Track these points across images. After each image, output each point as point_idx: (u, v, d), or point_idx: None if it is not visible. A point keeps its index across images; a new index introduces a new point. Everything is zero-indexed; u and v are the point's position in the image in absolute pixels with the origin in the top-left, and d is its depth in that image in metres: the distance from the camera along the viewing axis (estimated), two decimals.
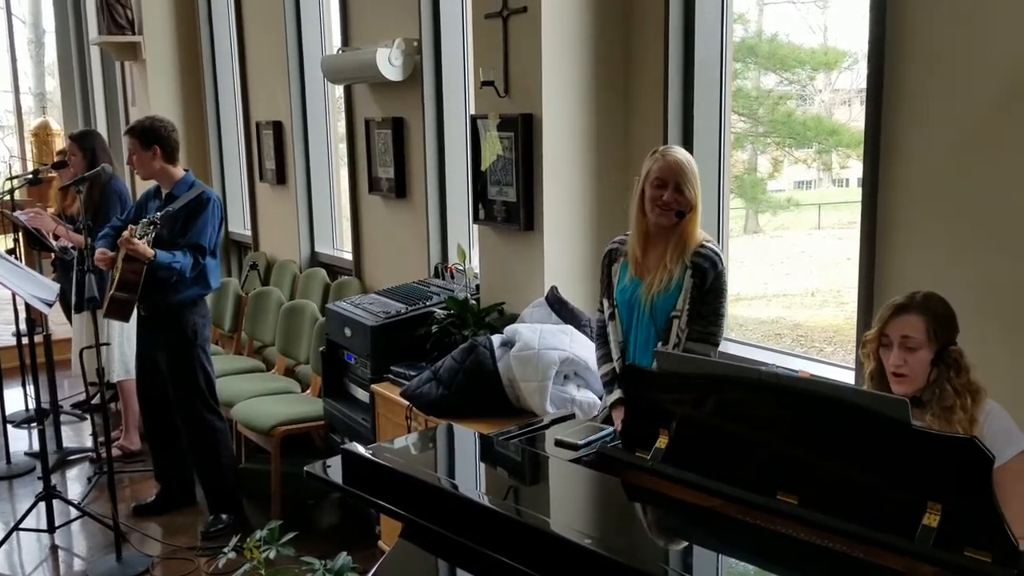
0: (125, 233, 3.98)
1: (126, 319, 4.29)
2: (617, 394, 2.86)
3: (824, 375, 3.05)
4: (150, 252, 3.96)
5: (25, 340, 5.08)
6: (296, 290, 6.04)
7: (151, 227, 3.96)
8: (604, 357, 2.97)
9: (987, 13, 2.55)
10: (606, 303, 2.96)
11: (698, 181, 2.78)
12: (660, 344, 2.78)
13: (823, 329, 5.33)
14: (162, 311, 4.23)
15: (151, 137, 4.22)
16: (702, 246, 2.78)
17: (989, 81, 2.57)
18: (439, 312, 3.98)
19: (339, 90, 5.75)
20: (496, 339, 3.59)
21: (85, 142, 5.13)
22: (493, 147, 3.95)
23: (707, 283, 2.76)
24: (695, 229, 2.79)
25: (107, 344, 4.61)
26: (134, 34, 7.63)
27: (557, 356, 3.38)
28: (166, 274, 4.06)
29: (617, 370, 2.89)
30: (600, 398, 3.20)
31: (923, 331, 2.13)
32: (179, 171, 4.30)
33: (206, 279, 4.25)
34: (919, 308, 2.15)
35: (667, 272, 2.78)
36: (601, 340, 2.99)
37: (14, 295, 4.68)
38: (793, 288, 5.85)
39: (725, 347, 3.60)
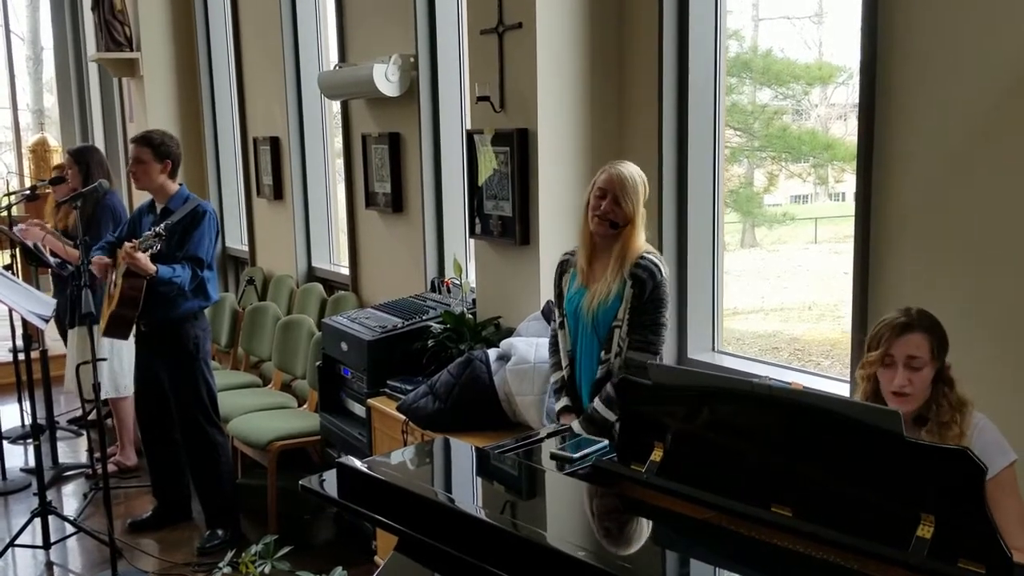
0: (126, 246, 3.94)
1: (125, 337, 4.28)
2: (564, 401, 3.00)
3: (821, 388, 3.05)
4: (152, 267, 3.95)
5: (21, 356, 5.08)
6: (293, 305, 6.04)
7: (156, 239, 3.94)
8: (555, 366, 3.09)
9: (979, 29, 2.57)
10: (557, 312, 3.07)
11: (640, 196, 2.89)
12: (603, 353, 2.89)
13: (820, 343, 5.33)
14: (163, 326, 4.23)
15: (165, 151, 4.22)
16: (642, 257, 2.88)
17: (981, 95, 2.58)
18: (435, 326, 3.98)
19: (336, 106, 5.77)
20: (492, 353, 3.59)
21: (81, 157, 5.14)
22: (489, 162, 3.97)
23: (646, 293, 2.85)
24: (635, 242, 2.89)
25: (104, 360, 4.61)
26: (132, 50, 7.65)
27: None
28: (167, 289, 4.06)
29: (565, 378, 3.02)
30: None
31: (928, 350, 2.13)
32: (175, 186, 4.31)
33: (206, 292, 4.25)
34: (922, 327, 2.15)
35: (606, 283, 2.88)
36: (553, 348, 3.11)
37: (11, 311, 4.68)
38: (790, 302, 5.85)
39: (723, 361, 3.61)
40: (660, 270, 2.88)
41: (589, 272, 2.96)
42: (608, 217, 2.87)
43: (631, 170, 2.91)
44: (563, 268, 3.07)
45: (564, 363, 3.03)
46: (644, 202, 2.92)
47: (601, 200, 2.88)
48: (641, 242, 2.90)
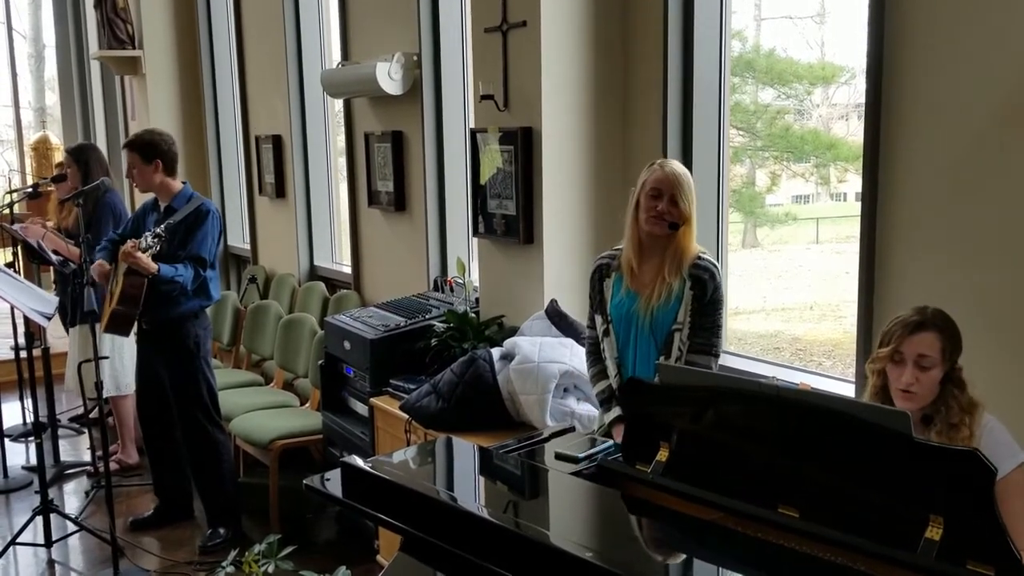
0: (127, 246, 3.95)
1: (126, 334, 4.29)
2: (616, 411, 2.83)
3: (824, 388, 3.04)
4: (153, 266, 3.95)
5: (23, 354, 5.07)
6: (295, 303, 6.04)
7: (156, 240, 3.94)
8: (599, 374, 2.93)
9: (986, 28, 2.56)
10: (599, 319, 2.92)
11: (694, 195, 2.79)
12: (662, 358, 2.77)
13: (822, 343, 5.33)
14: (164, 324, 4.22)
15: (152, 151, 4.22)
16: (699, 258, 2.79)
17: (988, 95, 2.58)
18: (438, 325, 3.98)
19: (339, 104, 5.76)
20: (496, 352, 3.59)
21: (80, 155, 5.14)
22: (492, 160, 3.96)
23: (707, 295, 2.76)
24: (691, 242, 2.79)
25: (106, 358, 4.60)
26: (134, 49, 7.65)
27: (557, 369, 3.38)
28: (169, 288, 4.06)
29: (615, 387, 2.86)
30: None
31: (938, 350, 2.13)
32: (177, 184, 4.31)
33: (207, 291, 4.25)
34: (935, 327, 2.14)
35: (666, 285, 2.76)
36: (594, 358, 2.96)
37: (12, 308, 4.68)
38: (792, 302, 5.84)
39: (725, 360, 3.60)
40: (718, 271, 2.81)
41: (638, 275, 2.83)
42: (666, 218, 2.76)
43: (682, 168, 2.82)
44: (603, 272, 2.91)
45: (612, 371, 2.87)
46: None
47: (656, 200, 2.76)
48: (695, 242, 2.81)
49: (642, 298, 2.80)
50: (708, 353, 2.78)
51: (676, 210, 2.76)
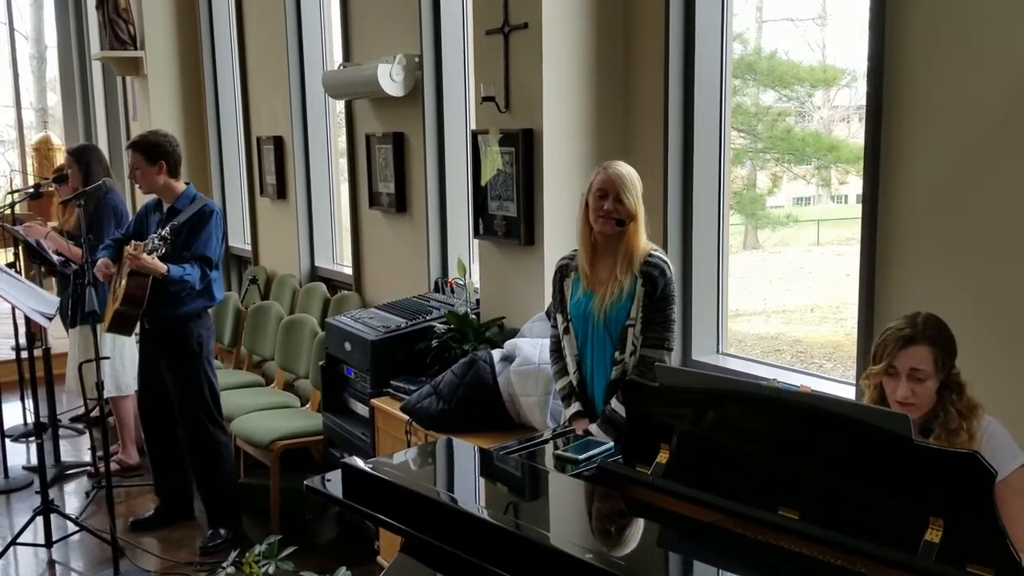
0: (130, 249, 3.96)
1: (129, 333, 4.30)
2: (576, 407, 2.98)
3: (824, 390, 3.05)
4: (162, 268, 3.95)
5: (24, 354, 5.08)
6: (296, 304, 6.04)
7: (162, 242, 3.94)
8: (561, 371, 3.07)
9: (987, 30, 2.57)
10: (559, 318, 3.05)
11: (639, 192, 2.90)
12: (616, 353, 2.89)
13: (823, 345, 5.33)
14: (168, 324, 4.22)
15: (156, 152, 4.22)
16: (650, 255, 2.89)
17: (989, 98, 2.58)
18: (439, 327, 3.98)
19: (340, 105, 5.77)
20: (496, 354, 3.59)
21: (81, 156, 5.15)
22: (493, 162, 3.96)
23: (658, 291, 2.87)
24: (640, 239, 2.90)
25: (107, 358, 4.61)
26: (136, 49, 7.66)
27: None
28: (178, 288, 4.06)
29: (574, 383, 3.00)
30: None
31: (931, 362, 2.13)
32: (181, 185, 4.31)
33: (211, 291, 4.25)
34: (926, 339, 2.14)
35: (618, 283, 2.88)
36: (556, 355, 3.09)
37: (14, 309, 4.68)
38: (792, 304, 5.84)
39: (727, 362, 3.61)
40: (669, 267, 2.91)
41: (592, 275, 2.95)
42: (613, 216, 2.87)
43: (626, 168, 2.93)
44: (563, 272, 3.05)
45: (572, 368, 3.01)
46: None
47: (603, 200, 2.88)
48: (645, 239, 2.91)
49: (596, 296, 2.92)
50: (661, 347, 2.90)
51: (622, 207, 2.87)
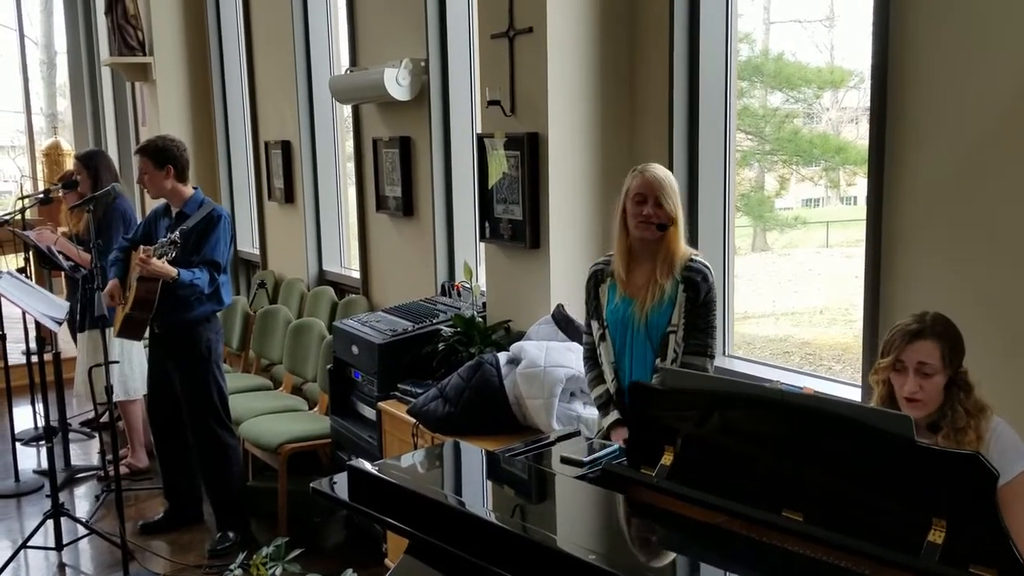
0: (140, 255, 3.97)
1: (139, 338, 4.32)
2: (614, 415, 2.88)
3: (832, 393, 3.04)
4: (173, 271, 3.97)
5: (35, 358, 5.10)
6: (304, 308, 6.06)
7: (172, 246, 3.95)
8: (597, 379, 2.98)
9: (991, 32, 2.56)
10: (595, 325, 2.96)
11: (677, 196, 2.84)
12: (658, 360, 2.81)
13: (832, 347, 5.31)
14: (177, 328, 4.24)
15: (164, 157, 4.25)
16: (692, 260, 2.83)
17: (993, 99, 2.57)
18: (446, 330, 3.99)
19: (347, 110, 5.79)
20: (502, 357, 3.59)
21: (90, 162, 5.18)
22: (499, 166, 3.97)
23: (700, 296, 2.80)
24: (679, 243, 2.84)
25: (117, 362, 4.63)
26: (145, 55, 7.70)
27: (563, 373, 3.39)
28: (188, 292, 4.08)
29: (611, 391, 2.91)
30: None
31: (939, 357, 2.13)
32: (189, 189, 4.33)
33: (219, 295, 4.26)
34: (934, 334, 2.14)
35: (659, 288, 2.81)
36: (591, 363, 3.00)
37: (24, 313, 4.71)
38: (801, 306, 5.83)
39: (734, 365, 3.61)
40: (711, 272, 2.85)
41: (629, 280, 2.87)
42: (653, 220, 2.80)
43: (663, 170, 2.86)
44: (599, 278, 2.96)
45: (609, 376, 2.92)
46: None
47: (642, 205, 2.80)
48: (684, 244, 2.85)
49: (636, 302, 2.84)
50: (704, 354, 2.83)
51: (662, 211, 2.80)
